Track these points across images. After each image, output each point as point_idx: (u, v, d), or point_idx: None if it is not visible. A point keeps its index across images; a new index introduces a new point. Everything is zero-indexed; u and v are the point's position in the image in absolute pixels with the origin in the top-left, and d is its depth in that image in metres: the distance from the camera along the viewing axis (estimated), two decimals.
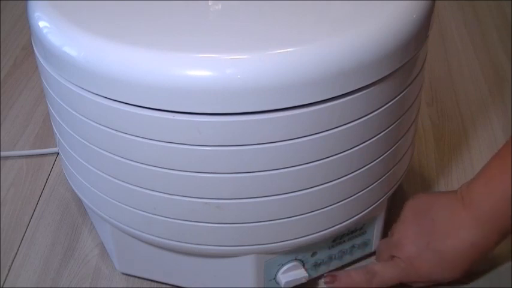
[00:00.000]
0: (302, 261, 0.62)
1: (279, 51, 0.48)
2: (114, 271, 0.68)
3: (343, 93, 0.50)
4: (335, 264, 0.65)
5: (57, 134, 0.62)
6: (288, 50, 0.48)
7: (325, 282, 0.62)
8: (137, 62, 0.48)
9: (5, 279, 0.67)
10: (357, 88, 0.50)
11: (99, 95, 0.51)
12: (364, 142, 0.54)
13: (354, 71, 0.49)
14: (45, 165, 0.82)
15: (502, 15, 1.14)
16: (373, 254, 0.68)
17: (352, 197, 0.57)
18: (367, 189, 0.58)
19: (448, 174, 0.80)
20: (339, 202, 0.56)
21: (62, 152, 0.64)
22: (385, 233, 0.68)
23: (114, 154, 0.54)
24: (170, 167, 0.52)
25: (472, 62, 1.01)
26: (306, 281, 0.63)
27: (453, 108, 0.91)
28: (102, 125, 0.52)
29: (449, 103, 0.92)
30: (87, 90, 0.51)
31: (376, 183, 0.58)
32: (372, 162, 0.56)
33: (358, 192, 0.57)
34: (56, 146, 0.68)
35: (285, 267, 0.61)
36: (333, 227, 0.58)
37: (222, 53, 0.48)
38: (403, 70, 0.53)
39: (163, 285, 0.66)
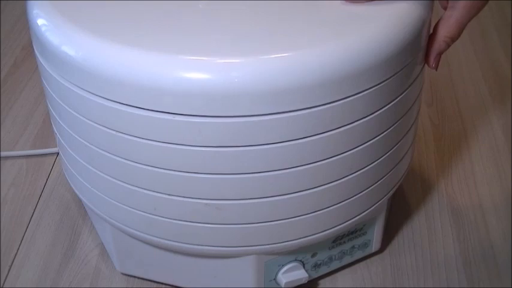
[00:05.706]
0: (302, 262, 0.62)
1: (278, 55, 0.48)
2: (114, 271, 0.68)
3: (343, 97, 0.50)
4: (335, 264, 0.65)
5: (57, 134, 0.62)
6: (288, 54, 0.48)
7: None
8: (137, 63, 0.48)
9: (5, 279, 0.67)
10: (356, 92, 0.50)
11: (99, 95, 0.51)
12: (364, 143, 0.54)
13: (353, 75, 0.49)
14: (45, 165, 0.82)
15: (502, 15, 1.14)
16: (373, 254, 0.68)
17: (353, 198, 0.57)
18: (367, 190, 0.58)
19: (448, 174, 0.80)
20: (339, 203, 0.56)
21: (62, 152, 0.64)
22: (385, 234, 0.68)
23: (114, 155, 0.53)
24: (170, 168, 0.52)
25: (472, 62, 1.01)
26: (306, 281, 0.63)
27: (453, 108, 0.91)
28: (103, 126, 0.52)
29: (449, 103, 0.92)
30: (87, 91, 0.51)
31: (376, 184, 0.58)
32: (372, 163, 0.56)
33: (359, 193, 0.57)
34: (56, 146, 0.68)
35: (285, 268, 0.61)
36: (333, 227, 0.58)
37: (221, 56, 0.48)
38: (403, 72, 0.53)
39: (163, 286, 0.66)
